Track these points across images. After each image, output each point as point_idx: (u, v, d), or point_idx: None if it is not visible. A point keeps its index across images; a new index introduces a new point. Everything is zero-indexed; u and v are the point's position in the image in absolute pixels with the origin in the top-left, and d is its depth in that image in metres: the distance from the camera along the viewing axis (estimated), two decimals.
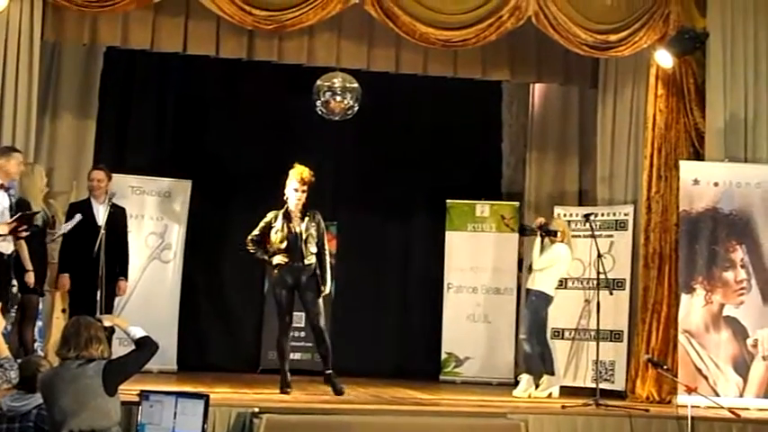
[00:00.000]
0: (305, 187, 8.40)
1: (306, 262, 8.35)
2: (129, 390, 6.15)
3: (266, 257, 8.55)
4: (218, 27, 9.28)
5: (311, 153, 11.56)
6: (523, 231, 9.84)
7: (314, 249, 8.40)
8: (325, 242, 8.60)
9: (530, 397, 8.96)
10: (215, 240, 11.25)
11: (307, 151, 11.55)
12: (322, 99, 9.96)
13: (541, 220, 9.44)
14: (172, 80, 11.37)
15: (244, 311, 11.42)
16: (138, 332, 5.76)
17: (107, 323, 5.94)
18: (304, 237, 8.36)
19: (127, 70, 10.90)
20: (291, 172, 8.42)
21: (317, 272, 8.40)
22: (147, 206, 10.52)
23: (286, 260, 8.36)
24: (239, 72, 10.67)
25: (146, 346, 5.70)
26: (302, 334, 11.34)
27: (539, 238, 9.27)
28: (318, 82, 9.93)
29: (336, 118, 10.13)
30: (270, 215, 8.51)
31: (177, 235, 10.59)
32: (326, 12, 8.77)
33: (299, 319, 11.34)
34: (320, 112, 10.05)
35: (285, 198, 8.44)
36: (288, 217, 8.41)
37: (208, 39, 9.37)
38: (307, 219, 8.44)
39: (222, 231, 11.25)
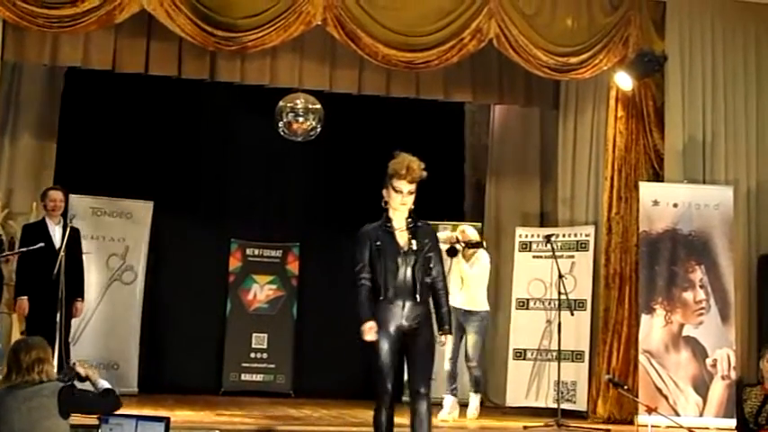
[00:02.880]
0: (413, 187, 5.87)
1: (418, 298, 5.83)
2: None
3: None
4: (181, 48, 9.25)
5: (273, 174, 11.63)
6: (453, 252, 8.94)
7: (429, 279, 5.89)
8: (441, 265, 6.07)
9: (454, 420, 8.68)
10: (177, 262, 11.18)
11: (269, 173, 11.61)
12: (284, 120, 9.98)
13: (455, 235, 9.07)
14: (134, 101, 11.31)
15: (206, 333, 11.34)
16: (106, 385, 5.71)
17: (80, 370, 5.86)
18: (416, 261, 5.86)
19: (88, 91, 10.83)
20: (393, 165, 5.86)
21: (436, 309, 5.96)
22: (108, 228, 10.42)
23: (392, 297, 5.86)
24: (202, 93, 10.65)
25: (110, 397, 5.65)
26: (264, 355, 11.33)
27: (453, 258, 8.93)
28: (281, 103, 9.94)
29: (299, 139, 10.14)
30: (364, 235, 5.95)
31: (139, 257, 10.51)
32: (289, 33, 8.78)
33: (260, 340, 11.39)
34: (283, 134, 10.06)
35: (385, 205, 5.96)
36: (391, 234, 5.91)
37: (170, 60, 9.33)
38: (419, 234, 5.91)
39: (184, 253, 11.20)
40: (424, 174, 5.80)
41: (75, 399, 5.44)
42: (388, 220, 5.90)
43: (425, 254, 5.84)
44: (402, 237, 5.85)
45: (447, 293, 6.01)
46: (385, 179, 5.87)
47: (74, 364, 5.91)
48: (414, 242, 5.82)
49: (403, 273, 5.79)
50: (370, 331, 5.72)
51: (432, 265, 5.87)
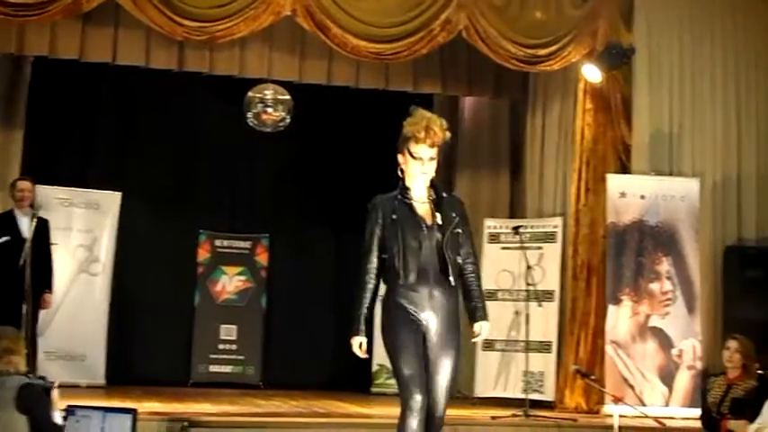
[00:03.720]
0: (434, 152, 4.88)
1: (451, 281, 4.83)
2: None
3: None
4: (149, 38, 9.20)
5: (242, 165, 11.60)
6: None
7: (460, 259, 4.89)
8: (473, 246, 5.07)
9: None
10: (145, 253, 11.11)
11: (238, 163, 11.58)
12: (253, 111, 9.98)
13: None
14: (102, 91, 11.24)
15: (174, 325, 11.30)
16: (57, 418, 5.61)
17: (54, 393, 5.78)
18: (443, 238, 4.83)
19: (56, 80, 10.74)
20: (409, 126, 4.86)
21: (466, 297, 4.97)
22: (75, 218, 10.34)
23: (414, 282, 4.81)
24: (170, 83, 10.59)
25: (56, 429, 5.53)
26: (233, 347, 11.31)
27: None
28: (250, 93, 9.93)
29: (268, 130, 10.13)
30: (377, 207, 4.95)
31: (106, 248, 10.43)
32: (258, 23, 8.76)
33: (229, 331, 11.37)
34: (252, 124, 10.04)
35: (401, 174, 4.97)
36: (409, 206, 4.90)
37: (138, 49, 9.28)
38: (444, 206, 4.93)
39: (152, 244, 11.13)
40: (448, 135, 4.86)
41: (29, 398, 5.34)
42: (406, 190, 4.89)
43: (453, 229, 4.82)
44: (423, 209, 4.85)
45: (479, 277, 4.98)
46: (399, 142, 4.90)
47: (53, 384, 5.82)
48: (438, 215, 4.82)
49: (428, 252, 4.76)
50: (359, 350, 4.90)
51: (460, 243, 4.86)
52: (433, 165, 4.86)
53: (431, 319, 4.75)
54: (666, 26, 9.59)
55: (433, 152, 4.83)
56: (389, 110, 10.96)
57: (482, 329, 4.92)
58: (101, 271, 10.39)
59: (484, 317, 4.91)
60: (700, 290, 9.01)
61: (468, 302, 4.94)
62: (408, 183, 4.90)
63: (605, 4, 9.47)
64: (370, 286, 4.89)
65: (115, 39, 9.17)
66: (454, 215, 4.87)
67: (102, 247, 10.42)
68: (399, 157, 4.92)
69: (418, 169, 4.84)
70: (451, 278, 4.77)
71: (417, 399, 4.64)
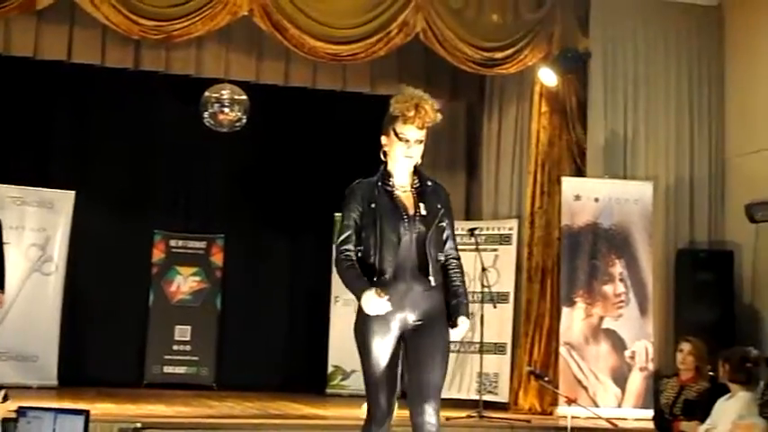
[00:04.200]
0: (423, 135, 4.46)
1: (431, 281, 4.36)
2: (4, 406, 5.98)
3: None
4: (104, 36, 9.13)
5: (198, 165, 11.55)
6: None
7: (442, 256, 4.47)
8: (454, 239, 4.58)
9: None
10: (99, 253, 11.02)
11: (193, 163, 11.52)
12: (210, 111, 9.93)
13: None
14: (57, 89, 11.13)
15: (128, 325, 11.21)
16: None
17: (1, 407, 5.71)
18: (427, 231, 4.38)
19: (9, 78, 10.61)
20: (397, 104, 4.42)
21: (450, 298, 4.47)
22: (28, 217, 10.23)
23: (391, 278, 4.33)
24: (126, 82, 10.50)
25: None
26: (188, 348, 11.25)
27: None
28: (206, 93, 9.89)
29: (224, 130, 10.09)
30: (355, 192, 4.46)
31: (59, 247, 10.33)
32: (215, 23, 8.72)
33: (183, 332, 11.30)
34: (208, 124, 10.00)
35: (384, 157, 4.51)
36: (390, 193, 4.44)
37: (93, 47, 9.20)
38: (428, 196, 4.48)
39: (106, 244, 11.04)
40: (439, 117, 4.44)
41: None
42: (387, 175, 4.43)
43: (438, 223, 4.39)
44: (405, 198, 4.40)
45: (463, 274, 4.50)
46: (384, 122, 4.46)
47: (6, 396, 5.75)
48: (422, 206, 4.37)
49: (407, 247, 4.30)
50: (377, 299, 4.14)
51: (444, 238, 4.44)
52: (420, 149, 4.42)
53: (409, 317, 4.28)
54: (622, 31, 9.69)
55: (422, 134, 4.41)
56: (346, 111, 11.19)
57: (461, 325, 4.37)
58: (54, 270, 10.29)
59: (465, 314, 4.40)
60: (652, 292, 9.10)
61: (451, 299, 4.43)
62: (391, 167, 4.44)
63: (561, 9, 9.55)
64: (354, 258, 4.33)
65: (70, 36, 9.09)
66: (439, 206, 4.42)
67: (55, 246, 10.32)
68: (383, 139, 4.46)
69: (403, 152, 4.39)
70: (431, 278, 4.30)
71: (383, 409, 4.30)
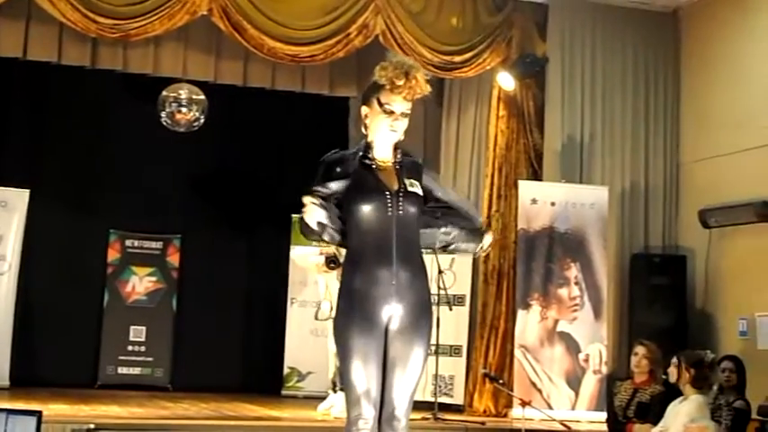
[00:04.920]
0: (409, 108, 4.05)
1: (411, 264, 3.99)
2: None
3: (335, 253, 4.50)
4: (61, 33, 9.06)
5: (155, 165, 11.46)
6: (334, 264, 7.99)
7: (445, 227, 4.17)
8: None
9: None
10: (53, 252, 10.92)
11: (150, 163, 11.44)
12: (167, 110, 9.86)
13: (330, 251, 8.08)
14: (12, 86, 11.01)
15: (82, 325, 11.12)
16: None
17: None
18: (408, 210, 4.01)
19: None
20: (383, 71, 4.00)
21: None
22: None
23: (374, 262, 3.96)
24: (83, 80, 10.42)
25: None
26: (143, 348, 11.18)
27: (321, 274, 8.48)
28: (164, 93, 9.82)
29: (182, 129, 10.03)
30: (331, 163, 4.06)
31: (13, 246, 10.21)
32: (173, 22, 8.67)
33: (138, 332, 11.23)
34: (165, 124, 9.93)
35: (364, 130, 4.14)
36: (371, 168, 4.06)
37: (50, 45, 9.15)
38: (409, 171, 4.11)
39: (61, 243, 10.95)
40: (429, 89, 4.01)
41: None
42: (368, 148, 4.04)
43: (430, 202, 4.08)
44: (388, 174, 4.02)
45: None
46: (366, 91, 4.09)
47: None
48: (407, 183, 4.00)
49: (390, 227, 3.90)
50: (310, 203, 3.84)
51: (438, 198, 4.11)
52: (405, 123, 4.03)
53: (395, 311, 3.89)
54: (579, 37, 9.78)
55: (408, 107, 4.01)
56: (304, 112, 11.18)
57: (485, 240, 4.15)
58: (7, 270, 10.17)
59: (487, 230, 4.22)
60: (607, 296, 9.19)
61: (466, 224, 4.14)
62: (371, 141, 4.05)
63: (520, 14, 9.62)
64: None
65: (26, 33, 9.01)
66: (424, 184, 4.06)
67: (8, 245, 10.20)
68: (363, 110, 4.07)
69: (387, 125, 4.00)
70: (416, 261, 3.96)
71: (367, 418, 3.85)
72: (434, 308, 4.26)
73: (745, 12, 9.27)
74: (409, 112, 4.02)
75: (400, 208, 3.94)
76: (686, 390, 6.54)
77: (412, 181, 4.01)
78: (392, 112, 3.98)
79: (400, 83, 3.93)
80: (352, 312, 3.89)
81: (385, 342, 3.90)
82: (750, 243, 8.91)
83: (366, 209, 3.91)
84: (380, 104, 3.99)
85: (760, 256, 8.75)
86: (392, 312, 3.89)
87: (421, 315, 3.95)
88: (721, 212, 9.08)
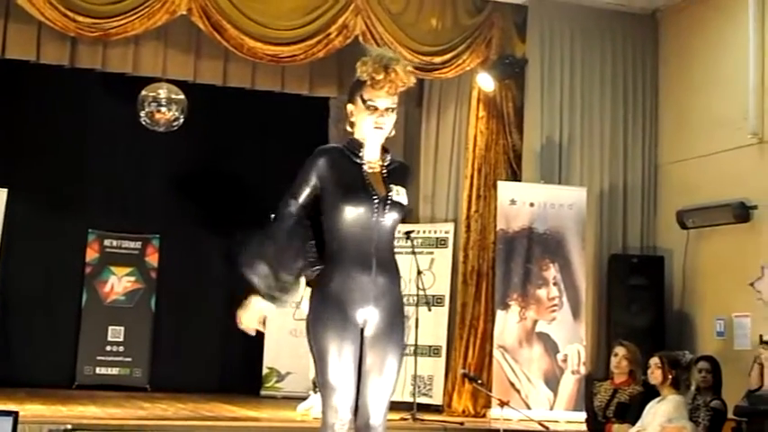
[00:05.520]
0: (394, 101, 3.90)
1: (389, 270, 3.90)
2: None
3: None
4: (40, 32, 9.02)
5: (134, 165, 11.44)
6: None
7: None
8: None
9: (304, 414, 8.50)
10: (32, 252, 10.87)
11: (129, 162, 11.41)
12: (147, 110, 9.83)
13: None
14: None
15: (60, 325, 11.08)
16: None
17: None
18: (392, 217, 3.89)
19: None
20: (365, 66, 3.85)
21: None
22: None
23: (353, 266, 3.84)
24: (61, 79, 10.36)
25: None
26: (121, 349, 11.14)
27: None
28: (143, 92, 9.79)
29: (161, 129, 10.00)
30: (322, 158, 3.90)
31: None
32: (152, 22, 8.65)
33: (117, 332, 11.18)
34: (144, 123, 9.90)
35: (350, 128, 3.99)
36: (360, 167, 3.93)
37: (28, 44, 9.10)
38: (397, 177, 3.98)
39: (39, 243, 10.91)
40: (413, 80, 3.87)
41: None
42: (358, 146, 3.90)
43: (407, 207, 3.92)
44: (376, 179, 3.87)
45: None
46: (350, 90, 3.96)
47: None
48: (394, 189, 3.86)
49: (373, 232, 3.80)
50: (247, 321, 3.91)
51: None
52: (392, 118, 3.87)
53: (371, 315, 3.80)
54: (559, 39, 9.80)
55: (392, 101, 3.85)
56: (284, 112, 11.17)
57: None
58: None
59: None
60: (585, 296, 9.21)
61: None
62: (359, 139, 3.91)
63: (499, 15, 9.64)
64: (296, 218, 3.82)
65: (5, 32, 8.96)
66: (406, 189, 3.94)
67: None
68: (348, 107, 3.94)
69: (371, 122, 3.85)
70: (394, 269, 3.87)
71: (344, 421, 3.73)
72: (408, 311, 4.11)
73: (723, 14, 9.32)
74: (395, 106, 3.86)
75: (385, 214, 3.82)
76: (664, 390, 6.58)
77: (398, 188, 3.88)
78: (376, 108, 3.84)
79: (380, 77, 3.79)
80: (328, 314, 3.78)
81: (361, 349, 3.81)
82: (727, 244, 8.96)
83: (351, 211, 3.79)
84: (363, 101, 3.86)
85: (737, 256, 8.80)
86: (367, 317, 3.80)
87: (394, 321, 3.85)
88: (699, 213, 9.14)
